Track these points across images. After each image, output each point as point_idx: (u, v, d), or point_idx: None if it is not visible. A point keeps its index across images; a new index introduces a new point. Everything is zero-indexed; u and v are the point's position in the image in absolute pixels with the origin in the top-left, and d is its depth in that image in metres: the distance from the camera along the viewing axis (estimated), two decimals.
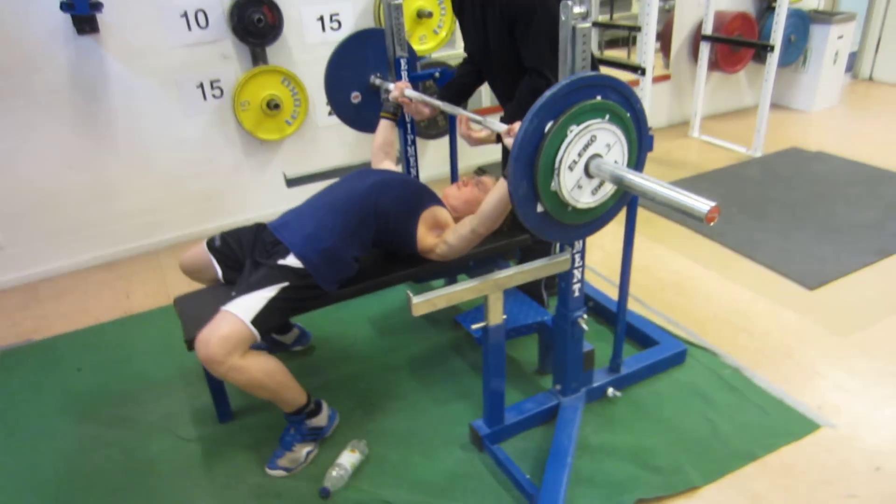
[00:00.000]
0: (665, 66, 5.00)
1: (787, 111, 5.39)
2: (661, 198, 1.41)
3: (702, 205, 1.33)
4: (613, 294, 2.67)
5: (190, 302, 2.08)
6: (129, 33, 3.05)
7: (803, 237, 3.28)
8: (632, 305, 2.61)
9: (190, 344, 1.87)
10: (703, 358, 2.38)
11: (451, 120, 2.71)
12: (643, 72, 3.68)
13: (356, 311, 2.71)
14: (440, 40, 3.65)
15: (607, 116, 1.53)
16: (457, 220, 2.16)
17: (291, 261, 1.89)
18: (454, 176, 2.88)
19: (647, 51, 3.68)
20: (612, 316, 2.51)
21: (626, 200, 1.80)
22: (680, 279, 2.94)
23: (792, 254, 3.12)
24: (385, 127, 2.47)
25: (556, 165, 1.50)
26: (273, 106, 3.35)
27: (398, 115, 2.49)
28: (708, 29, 4.61)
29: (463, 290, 1.71)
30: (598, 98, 1.52)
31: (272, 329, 1.88)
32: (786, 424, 2.07)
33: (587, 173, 1.56)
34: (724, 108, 5.40)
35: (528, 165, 1.50)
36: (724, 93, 5.34)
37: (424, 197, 2.14)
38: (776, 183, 4.01)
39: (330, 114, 3.60)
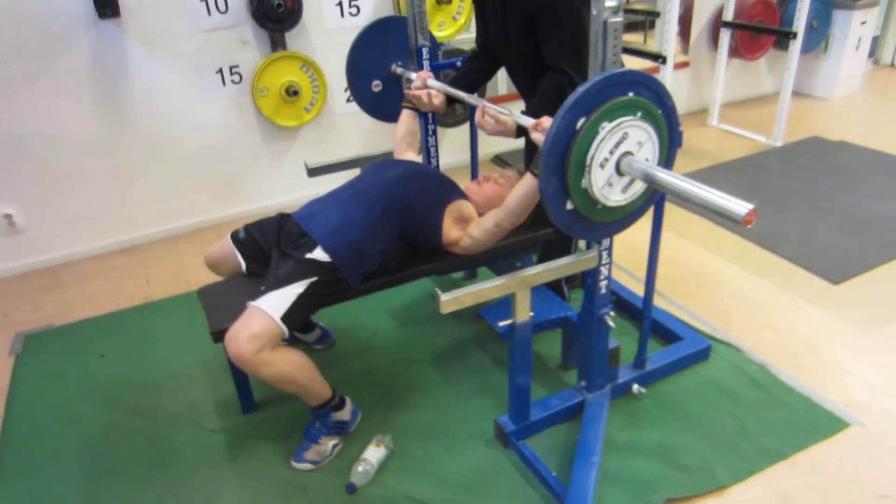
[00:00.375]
0: (683, 53, 4.92)
1: (807, 98, 5.30)
2: (695, 199, 1.39)
3: (739, 207, 1.30)
4: (634, 287, 2.66)
5: (214, 293, 2.07)
6: (149, 17, 3.03)
7: (826, 230, 3.24)
8: (653, 299, 2.58)
9: (216, 337, 1.87)
10: (727, 354, 2.36)
11: (472, 109, 2.68)
12: (664, 60, 3.61)
13: (376, 302, 2.69)
14: (459, 26, 3.60)
15: (639, 113, 1.51)
16: (480, 215, 2.14)
17: (319, 254, 1.87)
18: (474, 165, 2.85)
19: (668, 38, 3.61)
20: (634, 310, 2.51)
21: (656, 198, 1.77)
22: (701, 272, 2.92)
23: (815, 247, 3.08)
24: (407, 117, 2.44)
25: (588, 163, 1.48)
26: (292, 92, 3.32)
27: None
28: (729, 15, 4.53)
29: (490, 288, 1.69)
30: (631, 94, 1.50)
31: (300, 324, 1.88)
32: (814, 422, 2.06)
33: (618, 171, 1.54)
34: (742, 95, 5.32)
35: (559, 162, 1.48)
36: (744, 80, 5.26)
37: (450, 190, 2.12)
38: (798, 173, 3.95)
39: (348, 101, 3.61)
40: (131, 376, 2.42)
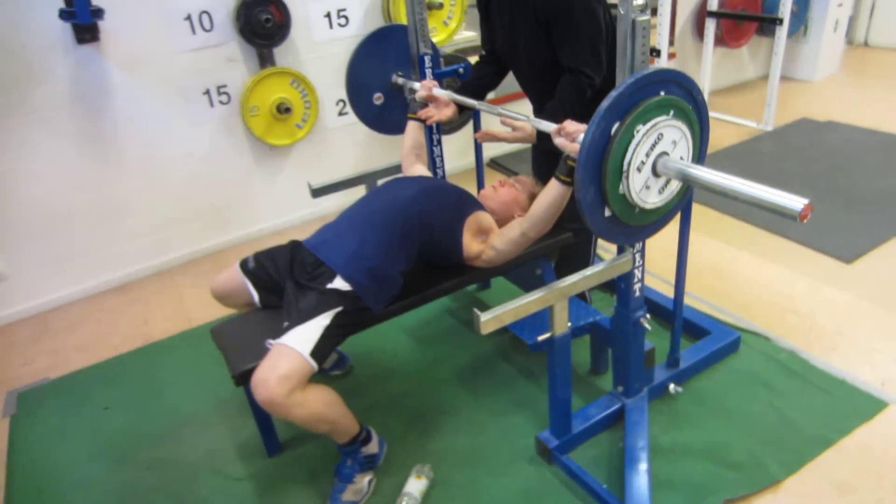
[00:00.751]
0: (669, 44, 4.92)
1: (790, 82, 5.34)
2: (744, 196, 1.36)
3: (795, 203, 1.26)
4: (654, 284, 2.61)
5: (229, 332, 1.95)
6: (130, 40, 2.89)
7: (830, 210, 3.23)
8: (666, 290, 2.53)
9: (238, 380, 1.76)
10: (756, 343, 2.32)
11: (476, 115, 2.61)
12: (658, 53, 3.59)
13: (391, 323, 2.53)
14: (450, 31, 3.54)
15: (672, 112, 1.48)
16: (497, 222, 2.07)
17: (339, 283, 1.78)
18: (479, 170, 2.78)
19: (661, 31, 3.58)
20: (656, 308, 2.45)
21: (689, 196, 1.72)
22: (716, 262, 2.88)
23: (822, 228, 3.06)
24: (413, 129, 2.36)
25: (625, 168, 1.44)
26: (283, 110, 3.21)
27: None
28: (714, 4, 4.53)
29: (529, 303, 1.62)
30: (662, 94, 1.46)
31: (327, 357, 1.78)
32: (853, 405, 2.03)
33: (654, 173, 1.50)
34: (726, 82, 5.35)
35: (596, 170, 1.44)
36: (727, 68, 5.29)
37: (467, 203, 2.04)
38: (792, 156, 3.95)
39: (340, 114, 3.52)
40: (141, 427, 2.29)
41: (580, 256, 2.41)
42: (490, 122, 3.14)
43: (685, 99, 1.51)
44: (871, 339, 2.30)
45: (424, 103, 2.33)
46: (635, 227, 1.60)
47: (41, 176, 2.92)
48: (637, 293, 1.85)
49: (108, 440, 2.24)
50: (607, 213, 1.51)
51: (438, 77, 2.51)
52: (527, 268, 2.36)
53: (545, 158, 2.40)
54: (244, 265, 2.00)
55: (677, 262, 2.00)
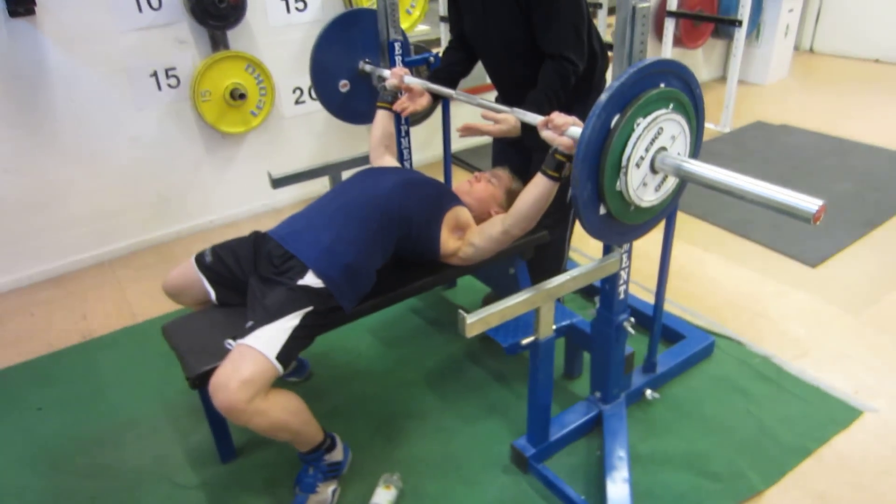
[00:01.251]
0: None
1: (742, 85, 5.41)
2: (752, 196, 1.30)
3: (809, 204, 1.20)
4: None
5: (183, 330, 1.78)
6: (70, 15, 2.65)
7: None
8: (643, 295, 2.49)
9: (194, 382, 1.60)
10: (729, 349, 2.29)
11: (445, 105, 2.50)
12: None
13: (354, 322, 2.47)
14: (414, 20, 3.41)
15: (671, 105, 1.41)
16: (474, 219, 1.97)
17: (311, 280, 1.64)
18: (447, 163, 2.67)
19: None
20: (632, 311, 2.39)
21: (682, 194, 1.66)
22: (683, 264, 2.85)
23: (784, 231, 3.08)
24: (383, 118, 2.23)
25: (624, 163, 1.37)
26: (238, 96, 3.02)
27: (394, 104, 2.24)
28: (673, 5, 4.54)
29: (516, 305, 1.52)
30: (662, 86, 1.39)
31: (293, 360, 1.63)
32: (829, 413, 2.01)
33: (653, 169, 1.42)
34: None
35: (594, 165, 1.36)
36: None
37: (445, 197, 1.93)
38: (750, 158, 3.99)
39: (297, 102, 3.35)
40: (79, 430, 2.08)
41: (554, 256, 2.33)
42: (464, 114, 3.04)
43: (684, 92, 1.44)
44: (841, 345, 2.31)
45: (394, 92, 2.20)
46: (628, 226, 1.53)
47: None
48: (622, 295, 1.78)
49: (42, 444, 2.04)
50: (602, 210, 1.43)
51: (409, 65, 2.38)
52: (499, 266, 2.26)
53: (513, 153, 2.28)
54: (200, 260, 1.83)
55: (660, 264, 1.95)
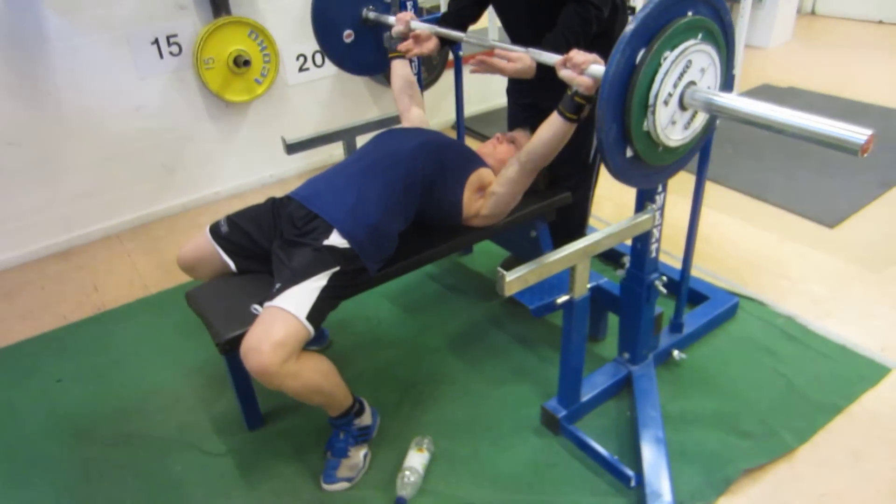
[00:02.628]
0: None
1: (747, 49, 5.33)
2: (795, 129, 1.20)
3: (857, 135, 1.13)
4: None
5: (207, 295, 1.74)
6: None
7: (806, 175, 3.23)
8: (664, 259, 2.46)
9: (224, 347, 1.58)
10: (753, 309, 2.28)
11: (458, 70, 2.44)
12: (633, 10, 3.47)
13: (377, 286, 2.44)
14: None
15: (700, 35, 1.29)
16: None
17: (336, 240, 1.60)
18: (460, 124, 2.61)
19: None
20: None
21: (710, 132, 1.59)
22: (702, 227, 2.78)
23: (801, 192, 3.06)
24: (399, 66, 2.15)
25: (651, 102, 1.28)
26: (242, 63, 2.94)
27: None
28: None
29: (553, 262, 1.49)
30: (690, 14, 1.27)
31: (323, 322, 1.60)
32: (857, 370, 2.00)
33: (681, 106, 1.33)
34: None
35: (619, 105, 1.27)
36: None
37: (470, 159, 1.88)
38: None
39: (301, 70, 3.27)
40: (101, 401, 2.06)
41: (577, 217, 2.29)
42: (477, 79, 2.96)
43: (713, 19, 1.34)
44: (865, 304, 2.29)
45: (402, 39, 2.10)
46: (655, 167, 1.44)
47: None
48: (653, 254, 1.75)
49: (65, 415, 2.02)
50: (629, 153, 1.35)
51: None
52: (520, 229, 2.23)
53: (529, 116, 2.21)
54: (215, 230, 1.78)
55: (689, 223, 1.92)
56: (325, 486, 1.68)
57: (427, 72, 3.54)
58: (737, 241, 2.72)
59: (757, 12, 5.30)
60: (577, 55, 1.46)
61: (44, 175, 2.80)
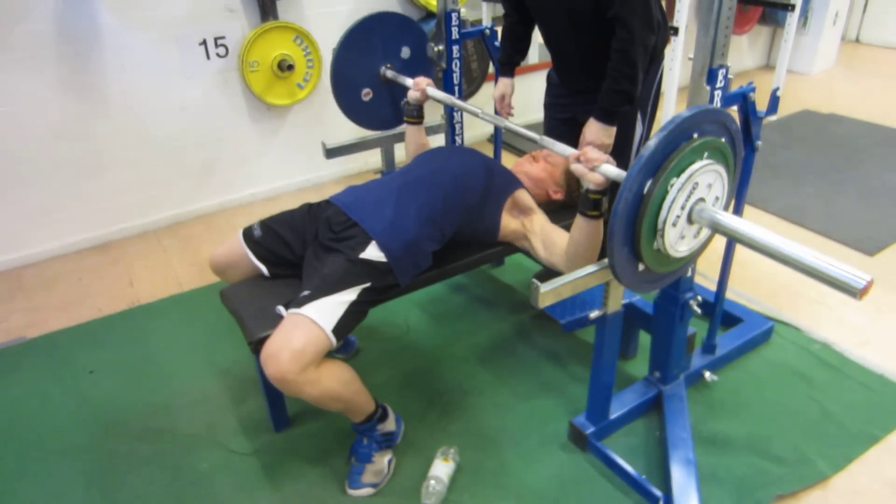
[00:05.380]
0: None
1: (789, 74, 5.28)
2: (792, 260, 1.25)
3: (856, 279, 1.15)
4: None
5: (241, 294, 1.76)
6: None
7: (846, 202, 3.17)
8: (698, 279, 2.43)
9: (255, 347, 1.59)
10: (788, 334, 2.23)
11: (496, 75, 2.45)
12: (675, 31, 3.45)
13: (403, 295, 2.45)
14: None
15: (706, 154, 1.33)
16: (533, 198, 1.92)
17: (373, 253, 1.61)
18: (497, 145, 2.62)
19: (681, 9, 3.45)
20: None
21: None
22: (738, 250, 2.75)
23: (840, 219, 3.00)
24: (413, 133, 2.15)
25: (660, 226, 1.31)
26: (286, 67, 2.99)
27: (423, 116, 2.16)
28: None
29: (588, 277, 1.47)
30: (695, 136, 1.31)
31: (348, 334, 1.60)
32: (895, 401, 1.95)
33: (689, 220, 1.36)
34: None
35: (628, 233, 1.32)
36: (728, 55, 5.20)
37: (507, 183, 1.88)
38: (799, 146, 3.89)
39: None
40: (131, 394, 2.09)
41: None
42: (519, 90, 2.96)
43: (718, 134, 1.37)
44: None
45: (419, 105, 2.10)
46: (667, 273, 1.48)
47: (19, 120, 2.67)
48: (688, 272, 1.73)
49: (96, 406, 2.05)
50: (640, 268, 1.39)
51: (465, 37, 2.34)
52: None
53: (566, 130, 2.20)
54: (248, 234, 1.80)
55: (726, 246, 1.90)
56: (350, 492, 1.68)
57: (466, 84, 3.56)
58: (774, 265, 2.64)
59: (801, 38, 5.25)
60: (591, 152, 1.45)
61: (87, 169, 2.87)
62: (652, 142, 1.25)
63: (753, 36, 5.27)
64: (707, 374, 1.98)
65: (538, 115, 2.43)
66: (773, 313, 2.33)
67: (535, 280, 1.41)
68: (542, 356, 2.17)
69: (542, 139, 1.69)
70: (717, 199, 1.39)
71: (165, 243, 3.01)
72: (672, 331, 1.80)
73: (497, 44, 2.37)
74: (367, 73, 2.26)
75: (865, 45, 6.13)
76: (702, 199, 1.34)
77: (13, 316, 2.55)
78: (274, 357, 1.44)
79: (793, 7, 4.01)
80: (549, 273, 2.30)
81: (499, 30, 2.33)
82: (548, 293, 1.42)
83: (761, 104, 1.66)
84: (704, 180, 1.33)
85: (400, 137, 2.39)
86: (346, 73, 2.21)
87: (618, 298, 1.59)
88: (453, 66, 2.33)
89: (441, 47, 2.28)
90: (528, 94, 3.53)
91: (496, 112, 2.49)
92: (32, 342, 2.38)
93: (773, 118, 4.31)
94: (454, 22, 2.28)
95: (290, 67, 3.00)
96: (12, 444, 1.93)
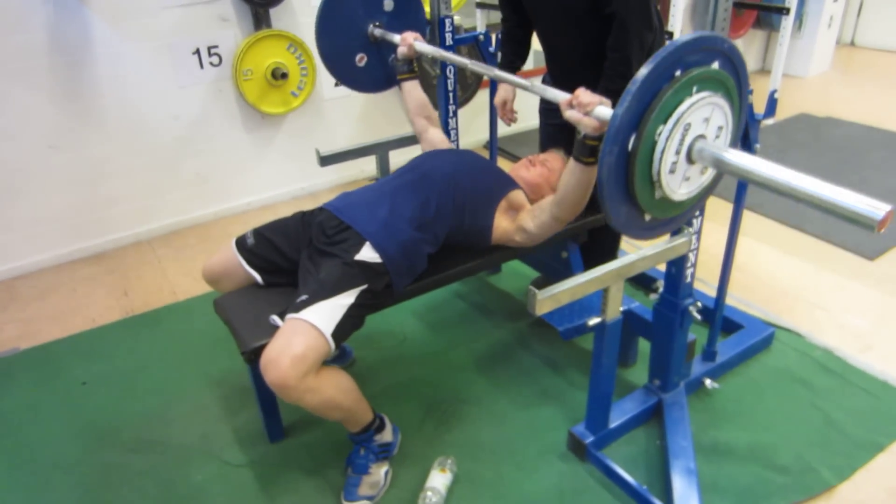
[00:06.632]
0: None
1: (784, 77, 5.27)
2: (806, 196, 1.13)
3: (874, 209, 1.03)
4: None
5: (235, 304, 1.74)
6: None
7: None
8: (698, 286, 2.41)
9: (249, 356, 1.56)
10: (789, 340, 2.21)
11: (493, 82, 2.43)
12: (671, 35, 3.45)
13: (398, 304, 2.42)
14: (458, 1, 3.34)
15: (695, 89, 1.19)
16: (529, 201, 1.90)
17: (367, 254, 1.59)
18: (492, 150, 2.61)
19: (675, 13, 3.45)
20: None
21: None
22: (737, 255, 2.73)
23: (840, 223, 2.94)
24: (410, 88, 2.11)
25: (656, 178, 1.21)
26: (279, 75, 2.98)
27: (416, 70, 2.12)
28: None
29: (586, 283, 1.46)
30: (678, 73, 1.17)
31: (346, 339, 1.58)
32: None
33: (690, 160, 1.24)
34: None
35: (622, 192, 1.22)
36: None
37: (502, 184, 1.86)
38: (797, 150, 3.88)
39: (338, 85, 3.28)
40: (125, 406, 2.06)
41: (610, 241, 2.25)
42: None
43: (708, 62, 1.22)
44: None
45: (409, 60, 2.08)
46: (680, 215, 1.39)
47: (12, 132, 2.65)
48: (688, 279, 1.71)
49: (89, 418, 2.02)
50: (647, 218, 1.30)
51: (459, 43, 2.32)
52: (551, 250, 2.21)
53: (563, 138, 2.15)
54: (241, 243, 1.78)
55: (726, 249, 1.88)
56: None
57: (462, 90, 3.55)
58: (773, 270, 2.65)
59: (795, 42, 5.25)
60: (584, 95, 1.36)
61: (80, 179, 2.85)
62: (625, 99, 1.12)
63: (748, 40, 5.26)
64: (708, 382, 1.96)
65: (534, 121, 2.41)
66: (774, 319, 2.31)
67: (531, 287, 1.39)
68: (540, 364, 2.14)
69: (533, 85, 1.60)
70: (720, 128, 1.26)
71: (160, 253, 2.99)
72: (672, 338, 1.78)
73: (491, 50, 2.35)
74: (356, 37, 2.17)
75: (860, 48, 6.14)
76: (701, 136, 1.22)
77: (6, 327, 2.52)
78: (274, 363, 1.41)
79: (787, 11, 4.04)
80: (545, 281, 2.28)
81: (493, 36, 2.32)
82: (546, 300, 1.40)
83: (758, 107, 1.64)
84: (698, 116, 1.20)
85: (395, 144, 2.37)
86: (333, 45, 2.14)
87: (616, 305, 1.56)
88: (448, 71, 2.31)
89: None
90: (525, 100, 3.49)
91: (491, 121, 2.48)
92: (25, 353, 2.35)
93: (770, 121, 4.33)
94: (448, 28, 2.26)
95: (284, 76, 2.99)
96: (4, 456, 1.90)
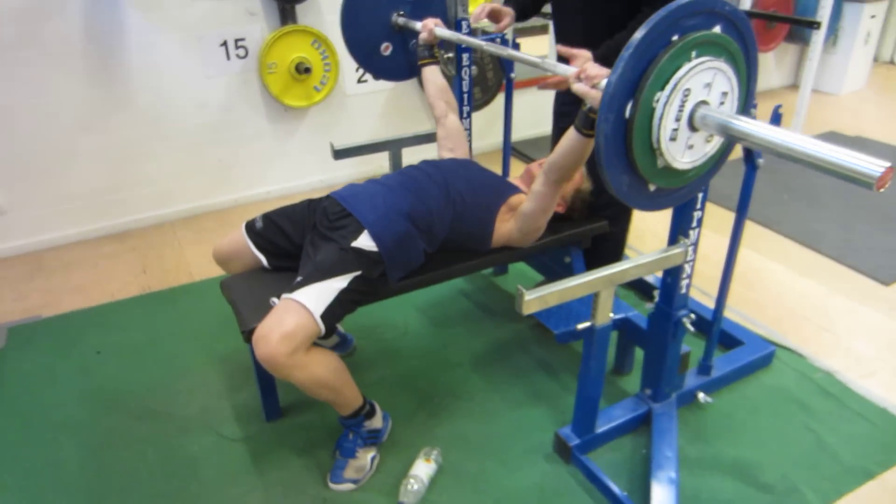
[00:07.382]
0: None
1: (815, 94, 5.18)
2: (801, 154, 1.06)
3: (873, 167, 0.97)
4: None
5: (240, 285, 1.81)
6: None
7: (866, 228, 3.10)
8: (703, 300, 2.40)
9: (248, 336, 1.62)
10: (790, 360, 2.20)
11: (508, 92, 2.46)
12: None
13: (402, 298, 2.39)
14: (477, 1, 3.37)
15: (694, 54, 1.16)
16: None
17: (364, 242, 1.64)
18: (506, 154, 2.63)
19: None
20: None
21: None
22: (744, 270, 2.74)
23: (857, 246, 2.94)
24: (430, 73, 2.17)
25: (656, 146, 1.19)
26: (303, 70, 3.05)
27: (437, 56, 2.17)
28: (747, 4, 4.37)
29: (575, 286, 1.48)
30: (675, 38, 1.14)
31: (337, 323, 1.64)
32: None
33: (692, 128, 1.21)
34: None
35: (621, 162, 1.20)
36: None
37: (503, 188, 1.91)
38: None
39: (360, 81, 3.35)
40: (134, 376, 2.16)
41: (613, 248, 2.27)
42: (524, 103, 2.92)
43: (707, 25, 1.18)
44: None
45: (430, 45, 2.13)
46: (686, 185, 1.35)
47: (48, 113, 2.79)
48: (683, 290, 1.72)
49: (99, 385, 2.12)
50: (652, 188, 1.28)
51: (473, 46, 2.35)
52: (554, 255, 2.23)
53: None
54: (250, 227, 1.85)
55: (725, 261, 1.87)
56: (332, 485, 1.71)
57: (481, 92, 3.58)
58: (782, 289, 2.63)
59: (829, 57, 5.14)
60: (592, 68, 1.38)
61: (109, 161, 2.97)
62: (618, 67, 1.10)
63: (780, 54, 5.18)
64: (701, 395, 1.96)
65: (545, 128, 2.42)
66: (777, 338, 2.30)
67: (520, 287, 1.42)
68: (535, 366, 2.17)
69: (544, 61, 1.62)
70: (724, 94, 1.23)
71: (180, 235, 3.09)
72: (664, 348, 1.79)
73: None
74: (381, 26, 2.23)
75: None
76: (703, 103, 1.19)
77: (32, 295, 2.65)
78: (265, 339, 1.47)
79: (818, 25, 3.96)
80: (548, 283, 2.31)
81: (510, 39, 2.35)
82: (533, 301, 1.43)
83: (785, 124, 1.61)
84: (698, 82, 1.17)
85: (409, 142, 2.41)
86: (360, 31, 2.20)
87: (606, 311, 1.58)
88: (463, 73, 2.35)
89: (451, 54, 2.30)
90: (544, 104, 3.50)
91: (505, 125, 2.50)
92: (47, 321, 2.47)
93: None
94: (464, 30, 2.30)
95: (308, 70, 3.06)
96: (18, 413, 2.01)
